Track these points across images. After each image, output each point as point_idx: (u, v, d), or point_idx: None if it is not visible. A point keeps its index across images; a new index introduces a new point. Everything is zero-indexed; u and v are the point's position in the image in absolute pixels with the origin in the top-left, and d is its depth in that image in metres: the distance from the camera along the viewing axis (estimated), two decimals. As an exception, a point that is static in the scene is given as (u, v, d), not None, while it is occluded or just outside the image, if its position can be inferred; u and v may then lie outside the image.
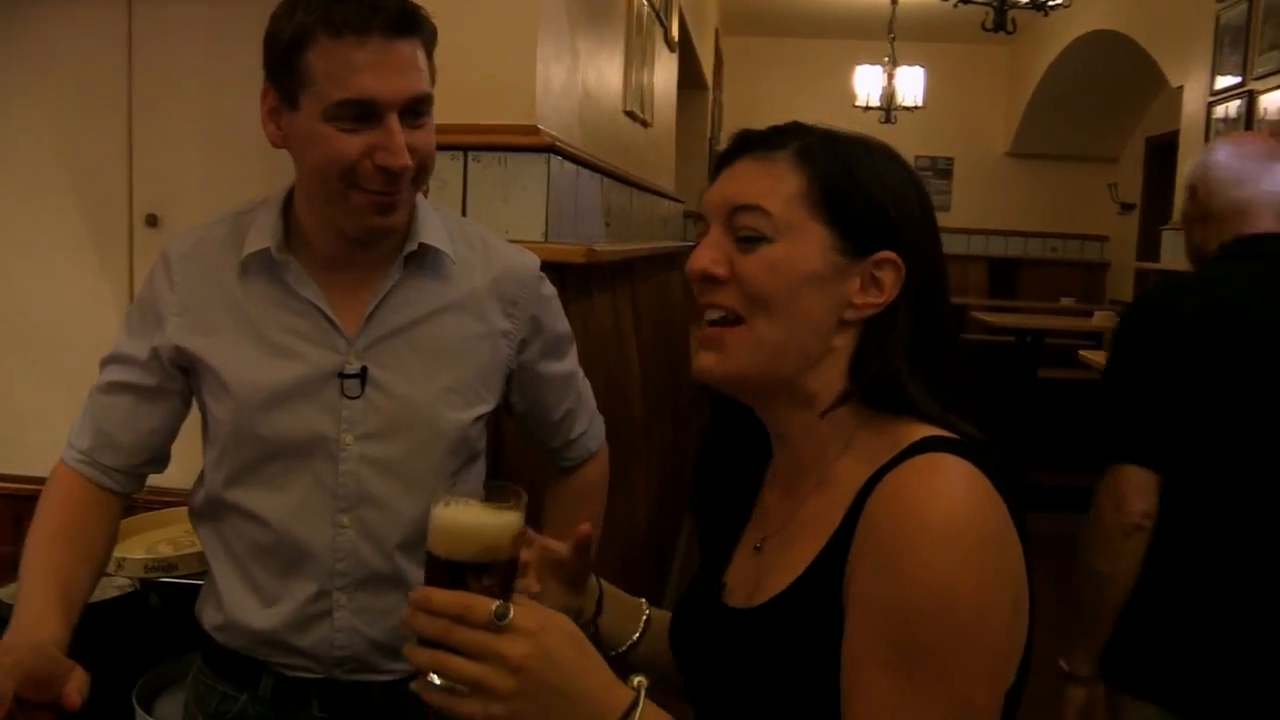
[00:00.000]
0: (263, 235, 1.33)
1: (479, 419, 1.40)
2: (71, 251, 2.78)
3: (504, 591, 0.82)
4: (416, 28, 1.24)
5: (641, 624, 1.13)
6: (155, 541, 2.23)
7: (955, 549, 0.80)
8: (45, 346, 2.81)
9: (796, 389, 0.95)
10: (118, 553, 2.05)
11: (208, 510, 1.40)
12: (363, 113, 1.21)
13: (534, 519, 1.62)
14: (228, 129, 2.62)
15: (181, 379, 1.38)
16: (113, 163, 2.73)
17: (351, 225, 1.28)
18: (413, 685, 0.81)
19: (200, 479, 1.41)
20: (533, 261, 1.47)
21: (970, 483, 0.84)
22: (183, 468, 1.46)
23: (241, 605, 1.36)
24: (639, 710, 0.81)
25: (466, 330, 1.38)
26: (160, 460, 1.42)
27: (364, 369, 1.32)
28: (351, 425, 1.32)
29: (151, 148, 2.72)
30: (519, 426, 1.56)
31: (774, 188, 0.93)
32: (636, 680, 0.83)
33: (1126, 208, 8.74)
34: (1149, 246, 7.56)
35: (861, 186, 0.93)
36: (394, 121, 1.21)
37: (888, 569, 0.81)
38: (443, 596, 0.80)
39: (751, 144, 0.97)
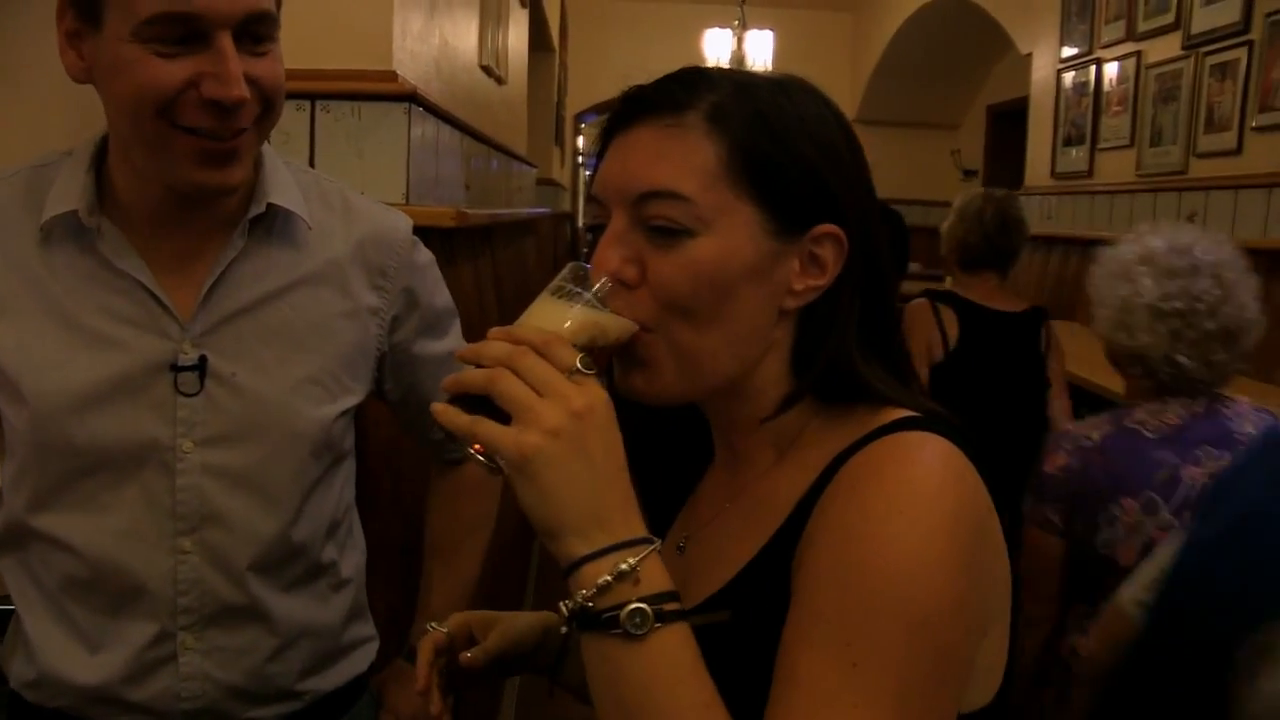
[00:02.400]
0: (68, 194, 1.07)
1: (345, 413, 1.18)
2: None
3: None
4: None
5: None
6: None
7: (926, 524, 0.68)
8: None
9: (734, 390, 0.81)
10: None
11: (9, 539, 1.14)
12: (186, 32, 0.97)
13: (418, 526, 1.44)
14: (18, 64, 2.25)
15: None
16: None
17: (178, 179, 1.04)
18: (434, 406, 0.72)
19: None
20: (404, 223, 1.25)
21: (951, 461, 0.72)
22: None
23: (60, 655, 1.12)
24: (648, 551, 0.70)
25: (326, 308, 1.16)
26: None
27: (202, 359, 1.09)
28: (190, 428, 1.09)
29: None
30: (395, 416, 1.34)
31: (688, 164, 0.76)
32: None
33: (969, 174, 8.94)
34: (992, 212, 7.74)
35: (790, 148, 0.77)
36: (225, 42, 0.98)
37: (845, 540, 0.69)
38: (528, 330, 0.72)
39: (650, 105, 0.79)
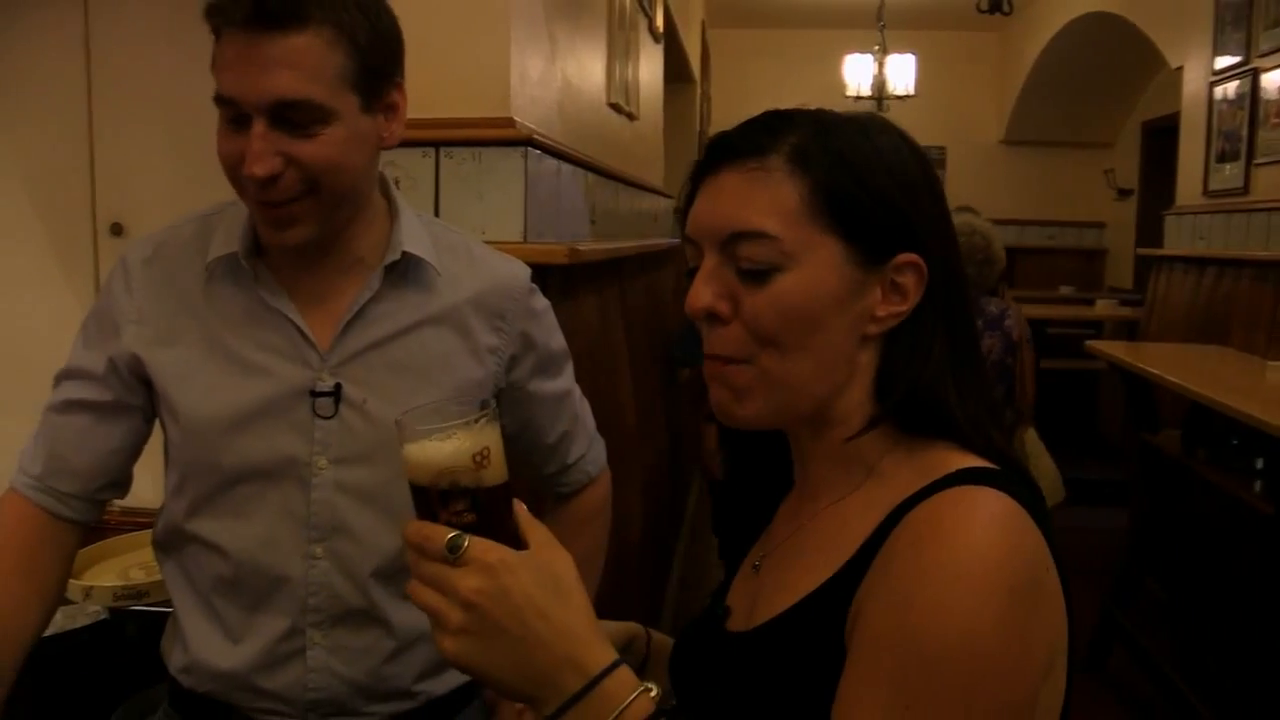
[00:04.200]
0: (230, 239, 1.22)
1: None
2: (33, 265, 2.66)
3: (484, 519, 0.75)
4: (297, 18, 1.08)
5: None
6: (128, 566, 2.17)
7: (982, 591, 0.69)
8: (6, 363, 2.69)
9: (821, 415, 0.86)
10: (86, 580, 1.99)
11: (169, 541, 1.29)
12: (235, 114, 1.11)
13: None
14: (196, 131, 2.46)
15: (143, 392, 1.27)
16: (73, 170, 2.61)
17: (261, 236, 1.19)
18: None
19: (162, 506, 1.30)
20: (522, 272, 1.36)
21: (1009, 521, 0.73)
22: (157, 484, 1.35)
23: (207, 644, 1.26)
24: (610, 676, 0.72)
25: (449, 346, 1.27)
26: (120, 484, 1.31)
27: (338, 386, 1.21)
28: (325, 448, 1.22)
29: (114, 153, 2.60)
30: (510, 450, 1.44)
31: (772, 204, 0.81)
32: (653, 691, 0.74)
33: (1124, 193, 8.64)
34: (1148, 232, 7.48)
35: (868, 184, 0.82)
36: (257, 126, 1.10)
37: (903, 605, 0.71)
38: (410, 527, 0.76)
39: (734, 150, 0.85)
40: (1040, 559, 0.74)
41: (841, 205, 0.81)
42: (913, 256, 0.82)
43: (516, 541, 0.76)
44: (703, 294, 0.83)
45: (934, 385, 0.83)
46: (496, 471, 0.77)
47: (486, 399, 0.80)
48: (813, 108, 0.87)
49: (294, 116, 1.10)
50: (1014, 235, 9.30)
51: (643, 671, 1.04)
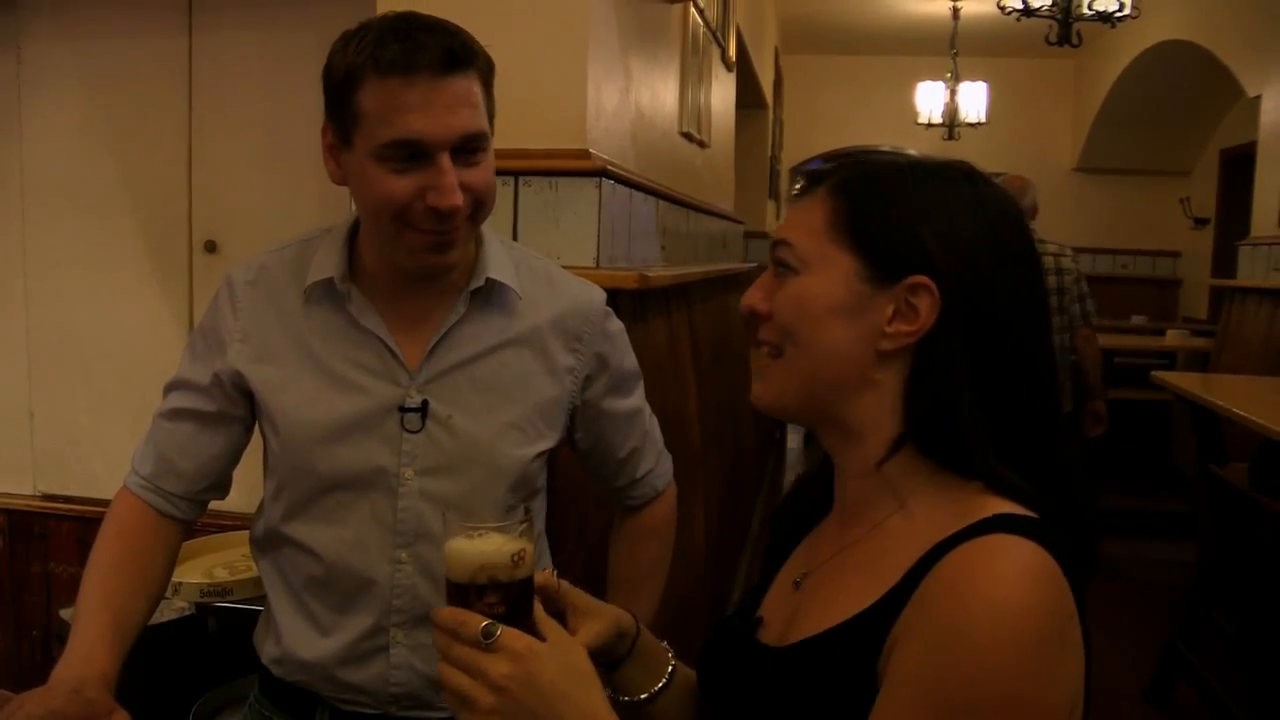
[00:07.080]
0: (327, 264, 1.31)
1: (539, 455, 1.37)
2: (132, 277, 2.82)
3: (512, 612, 0.85)
4: (468, 62, 1.20)
5: (666, 676, 1.07)
6: (212, 566, 2.27)
7: (1011, 643, 0.75)
8: (106, 370, 2.85)
9: (841, 421, 0.93)
10: (175, 576, 2.08)
11: (267, 543, 1.39)
12: (413, 153, 1.18)
13: (599, 558, 1.60)
14: (286, 156, 2.64)
15: (244, 404, 1.36)
16: (173, 189, 2.77)
17: (409, 262, 1.26)
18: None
19: (261, 509, 1.40)
20: (599, 296, 1.44)
21: (1039, 574, 0.78)
22: (241, 491, 1.46)
23: (298, 637, 1.35)
24: None
25: (529, 366, 1.35)
26: (221, 487, 1.41)
27: (425, 403, 1.30)
28: (411, 460, 1.30)
29: (211, 174, 2.75)
30: (584, 463, 1.53)
31: (804, 221, 0.93)
32: None
33: (1200, 222, 8.51)
34: (1225, 262, 7.35)
35: (891, 211, 0.90)
36: (444, 161, 1.18)
37: (936, 651, 0.77)
38: (443, 613, 0.85)
39: (807, 179, 0.98)
40: (1067, 611, 0.79)
41: (858, 226, 0.90)
42: (923, 279, 0.87)
43: (536, 633, 0.85)
44: (751, 293, 0.96)
45: (954, 412, 0.86)
46: (527, 570, 0.87)
47: (528, 507, 0.92)
48: (901, 151, 0.98)
49: (471, 145, 1.21)
50: (1086, 263, 9.10)
51: (624, 662, 1.04)
